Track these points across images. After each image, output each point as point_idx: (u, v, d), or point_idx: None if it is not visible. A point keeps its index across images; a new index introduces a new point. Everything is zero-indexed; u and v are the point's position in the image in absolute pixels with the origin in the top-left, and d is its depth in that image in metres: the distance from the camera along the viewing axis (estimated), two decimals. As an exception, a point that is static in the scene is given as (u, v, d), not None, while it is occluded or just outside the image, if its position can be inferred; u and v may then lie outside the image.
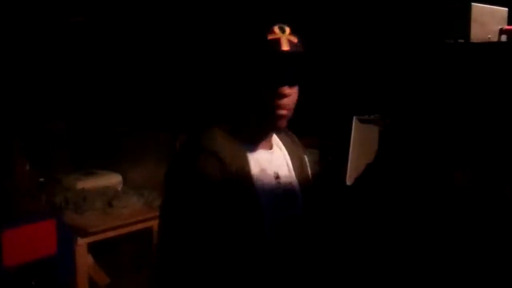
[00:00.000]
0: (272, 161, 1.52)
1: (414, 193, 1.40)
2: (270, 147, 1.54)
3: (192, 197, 1.38)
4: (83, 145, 4.27)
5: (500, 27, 1.48)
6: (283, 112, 1.43)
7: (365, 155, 2.76)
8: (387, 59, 1.55)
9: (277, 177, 1.51)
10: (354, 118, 2.78)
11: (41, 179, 3.63)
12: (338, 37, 2.18)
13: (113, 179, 3.81)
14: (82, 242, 3.16)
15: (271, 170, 1.50)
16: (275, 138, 1.57)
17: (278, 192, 1.49)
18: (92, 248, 3.30)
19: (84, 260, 3.20)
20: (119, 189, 3.75)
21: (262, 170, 1.47)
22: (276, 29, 1.41)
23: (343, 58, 2.29)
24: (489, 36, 1.45)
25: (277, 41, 1.40)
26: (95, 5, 4.18)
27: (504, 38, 1.49)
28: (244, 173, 1.42)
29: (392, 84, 1.53)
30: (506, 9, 1.50)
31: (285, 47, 1.40)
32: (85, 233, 3.16)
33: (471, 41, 1.41)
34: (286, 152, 1.57)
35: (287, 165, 1.55)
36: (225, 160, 1.40)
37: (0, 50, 4.03)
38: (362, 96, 1.52)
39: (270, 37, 1.40)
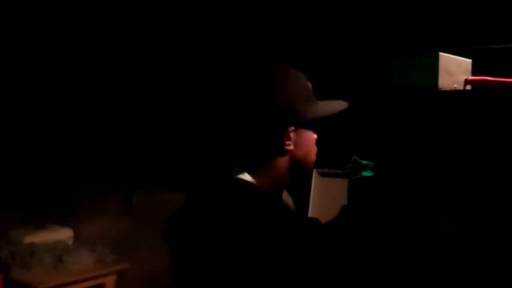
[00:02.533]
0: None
1: (391, 240, 1.39)
2: None
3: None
4: (34, 199, 4.13)
5: (465, 77, 1.53)
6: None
7: (326, 209, 2.76)
8: (358, 108, 1.57)
9: None
10: (314, 170, 2.79)
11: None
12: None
13: (64, 234, 3.68)
14: (30, 300, 3.01)
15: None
16: None
17: None
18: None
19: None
20: (70, 244, 3.61)
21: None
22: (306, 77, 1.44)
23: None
24: (455, 85, 1.49)
25: (312, 91, 1.44)
26: (50, 57, 4.14)
27: (469, 88, 1.53)
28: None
29: (364, 134, 1.55)
30: (470, 60, 1.56)
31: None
32: (33, 290, 3.01)
33: (440, 89, 1.44)
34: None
35: None
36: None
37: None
38: (329, 147, 1.55)
39: (309, 86, 1.43)
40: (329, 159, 2.20)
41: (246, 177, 1.36)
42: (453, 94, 1.48)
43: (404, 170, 1.47)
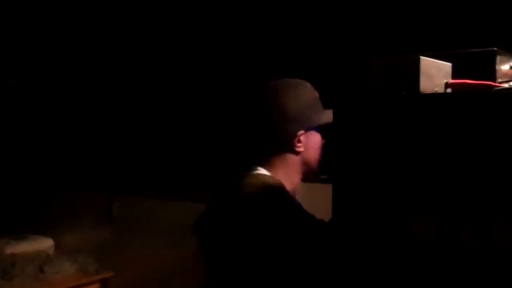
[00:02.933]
0: None
1: (372, 245, 1.40)
2: None
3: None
4: (12, 209, 4.08)
5: (445, 81, 1.54)
6: None
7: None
8: (339, 111, 1.58)
9: None
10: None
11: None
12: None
13: (45, 244, 3.63)
14: (11, 311, 2.98)
15: None
16: None
17: None
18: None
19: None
20: (51, 253, 3.57)
21: None
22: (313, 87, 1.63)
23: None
24: (436, 89, 1.51)
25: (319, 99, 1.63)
26: (31, 66, 4.11)
27: (449, 91, 1.55)
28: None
29: (345, 138, 1.56)
30: (450, 64, 1.57)
31: None
32: (14, 301, 2.98)
33: (420, 92, 1.46)
34: None
35: None
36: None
37: None
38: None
39: (317, 95, 1.62)
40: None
41: (267, 173, 1.53)
42: (434, 97, 1.49)
43: (386, 173, 1.49)
